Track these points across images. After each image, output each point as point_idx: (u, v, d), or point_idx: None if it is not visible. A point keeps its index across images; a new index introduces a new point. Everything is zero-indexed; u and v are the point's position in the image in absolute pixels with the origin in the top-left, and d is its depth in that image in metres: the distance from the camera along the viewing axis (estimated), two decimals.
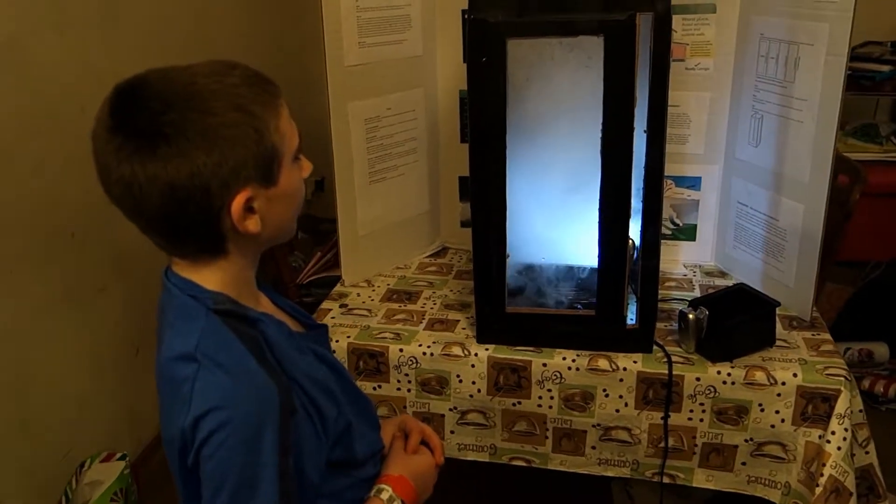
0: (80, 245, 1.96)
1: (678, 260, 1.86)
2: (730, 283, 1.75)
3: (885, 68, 2.65)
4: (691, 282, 1.79)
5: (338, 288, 1.81)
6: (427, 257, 1.97)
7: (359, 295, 1.78)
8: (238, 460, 0.88)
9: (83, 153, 1.83)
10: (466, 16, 1.36)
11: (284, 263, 2.41)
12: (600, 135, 1.38)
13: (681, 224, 1.85)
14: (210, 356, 0.90)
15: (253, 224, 0.93)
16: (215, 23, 2.50)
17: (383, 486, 1.10)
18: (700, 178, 1.81)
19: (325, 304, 1.73)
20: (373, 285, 1.82)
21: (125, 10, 2.05)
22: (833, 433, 1.42)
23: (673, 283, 1.78)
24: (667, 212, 1.80)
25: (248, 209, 0.92)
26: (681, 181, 1.81)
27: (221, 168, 0.88)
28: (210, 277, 0.97)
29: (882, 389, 2.49)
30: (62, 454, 1.96)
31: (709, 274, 1.83)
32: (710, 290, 1.71)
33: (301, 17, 3.17)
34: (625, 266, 1.46)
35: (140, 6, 2.11)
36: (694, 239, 1.86)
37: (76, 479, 1.91)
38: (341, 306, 1.72)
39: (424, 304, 1.73)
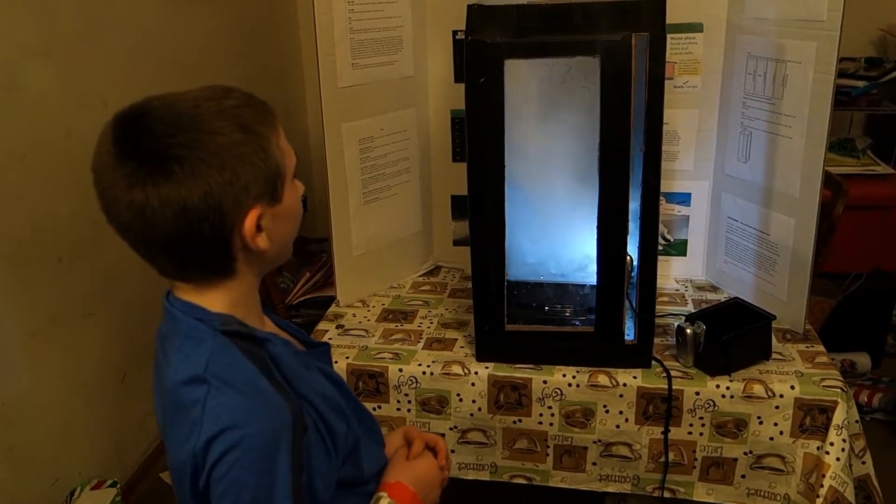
0: (66, 270, 1.94)
1: (669, 275, 1.88)
2: (721, 297, 1.77)
3: (861, 84, 2.71)
4: (684, 296, 1.81)
5: (333, 308, 1.80)
6: (420, 276, 1.97)
7: (354, 315, 1.77)
8: (252, 480, 0.87)
9: (69, 177, 1.84)
10: (465, 37, 1.37)
11: (273, 284, 2.39)
12: (598, 153, 1.39)
13: (671, 239, 1.87)
14: (220, 377, 0.90)
15: (263, 241, 0.93)
16: (200, 46, 2.49)
17: (381, 493, 1.08)
18: (690, 194, 1.83)
19: (322, 325, 1.73)
20: (368, 305, 1.82)
21: (110, 34, 2.04)
22: (832, 444, 1.44)
23: (666, 299, 1.79)
24: None
25: (258, 227, 0.93)
26: (671, 197, 1.83)
27: (233, 186, 0.88)
28: (215, 300, 0.96)
29: (866, 399, 2.53)
30: (49, 482, 1.92)
31: (700, 288, 1.85)
32: (703, 305, 1.73)
33: (283, 40, 3.18)
34: (623, 282, 1.47)
35: (125, 30, 2.10)
36: (685, 254, 1.88)
37: None
38: (338, 327, 1.72)
39: (421, 323, 1.73)
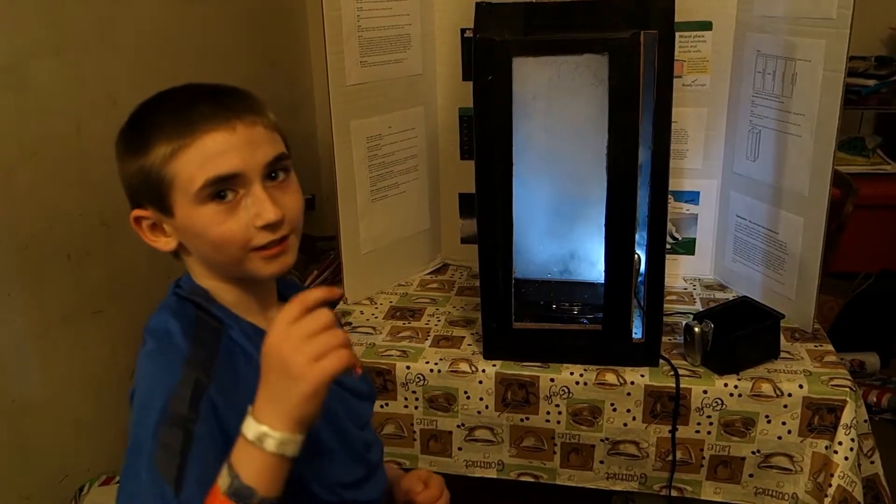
0: (76, 267, 1.94)
1: (678, 274, 1.88)
2: (729, 296, 1.77)
3: (871, 82, 2.70)
4: (692, 295, 1.81)
5: (340, 306, 1.81)
6: (428, 274, 1.97)
7: (362, 313, 1.78)
8: (134, 419, 0.90)
9: (79, 174, 1.85)
10: (473, 35, 1.37)
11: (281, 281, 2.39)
12: (606, 151, 1.39)
13: (680, 238, 1.87)
14: (152, 333, 0.96)
15: (163, 244, 0.98)
16: (208, 43, 2.50)
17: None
18: (698, 193, 1.83)
19: None
20: (375, 303, 1.82)
21: (119, 32, 2.05)
22: (840, 444, 1.43)
23: (674, 297, 1.79)
24: None
25: (161, 229, 0.97)
26: (679, 196, 1.83)
27: (122, 182, 0.98)
28: (198, 274, 1.00)
29: (875, 399, 2.53)
30: (59, 478, 1.93)
31: (708, 287, 1.85)
32: (711, 304, 1.73)
33: (292, 37, 3.18)
34: (631, 281, 1.47)
35: (134, 28, 2.11)
36: (693, 253, 1.88)
37: (76, 502, 1.88)
38: (345, 324, 1.72)
39: (428, 320, 1.73)
